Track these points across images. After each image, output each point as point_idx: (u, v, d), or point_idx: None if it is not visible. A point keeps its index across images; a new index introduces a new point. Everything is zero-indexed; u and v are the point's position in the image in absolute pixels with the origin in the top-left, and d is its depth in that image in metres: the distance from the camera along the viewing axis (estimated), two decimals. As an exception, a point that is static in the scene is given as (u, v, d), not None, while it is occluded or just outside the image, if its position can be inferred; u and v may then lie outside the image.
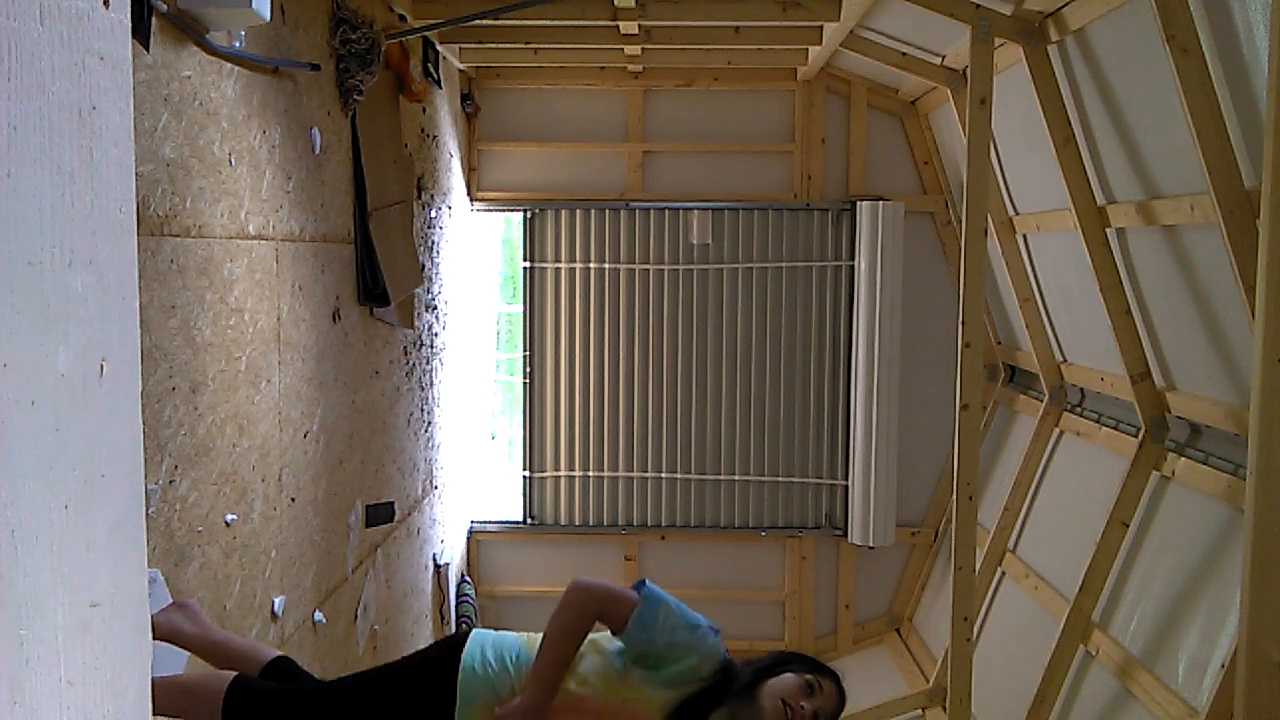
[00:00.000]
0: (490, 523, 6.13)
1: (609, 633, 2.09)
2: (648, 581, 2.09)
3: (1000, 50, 3.77)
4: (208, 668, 2.32)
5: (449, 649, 2.13)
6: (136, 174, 2.04)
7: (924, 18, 3.96)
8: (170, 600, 2.34)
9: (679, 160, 5.90)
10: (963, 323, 3.80)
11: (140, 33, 2.20)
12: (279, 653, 2.37)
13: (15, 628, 0.73)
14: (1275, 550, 2.23)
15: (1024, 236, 4.69)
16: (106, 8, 0.85)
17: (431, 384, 4.96)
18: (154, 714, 2.07)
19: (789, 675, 2.00)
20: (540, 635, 2.09)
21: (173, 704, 2.10)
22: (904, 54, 4.83)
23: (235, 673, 2.18)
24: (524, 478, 6.09)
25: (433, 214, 4.91)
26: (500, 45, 5.21)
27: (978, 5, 3.65)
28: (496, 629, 2.25)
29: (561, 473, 6.06)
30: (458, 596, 5.58)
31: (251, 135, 2.83)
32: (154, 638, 1.82)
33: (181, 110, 2.41)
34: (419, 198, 4.64)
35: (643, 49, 5.20)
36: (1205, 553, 3.34)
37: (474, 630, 2.21)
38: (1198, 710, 3.08)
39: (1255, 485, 2.24)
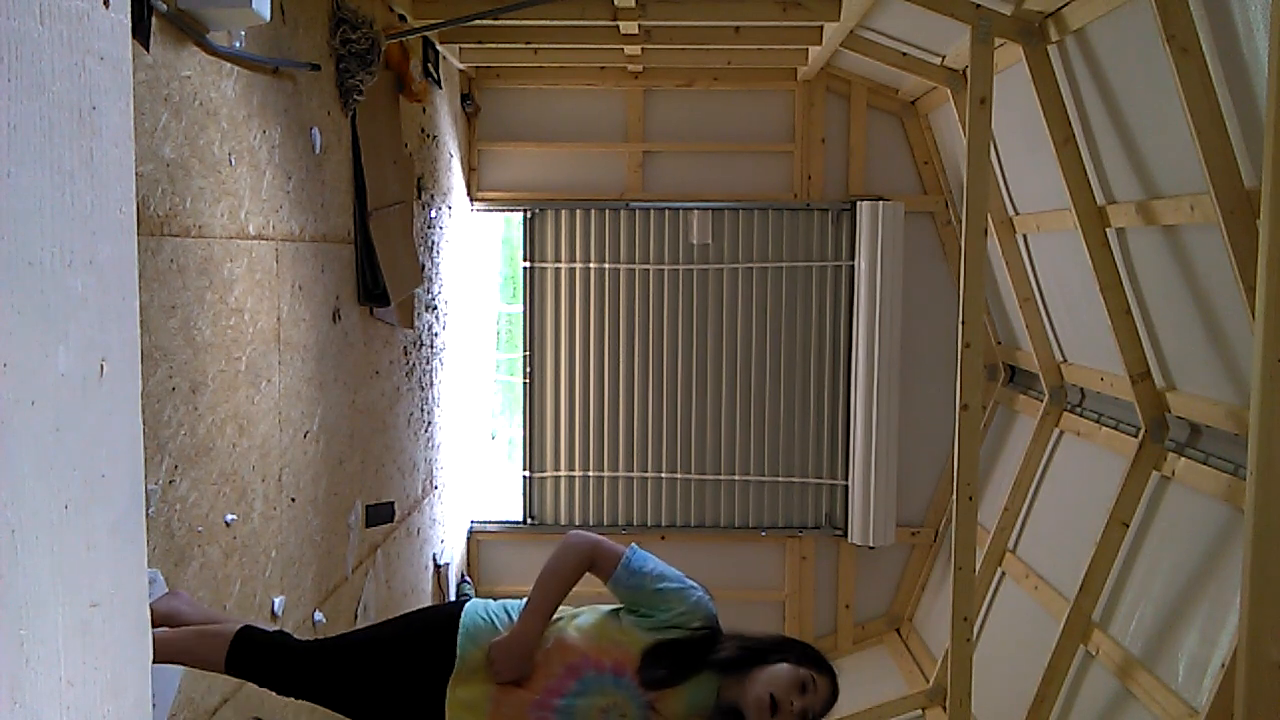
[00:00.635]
0: (490, 523, 6.13)
1: (607, 607, 2.13)
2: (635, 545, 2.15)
3: (1000, 50, 3.77)
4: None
5: (450, 608, 2.18)
6: (136, 174, 2.04)
7: (924, 18, 3.96)
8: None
9: (679, 160, 5.90)
10: (963, 323, 3.80)
11: (140, 33, 2.20)
12: (277, 627, 2.42)
13: (15, 628, 0.73)
14: (1275, 550, 2.23)
15: (1024, 236, 4.69)
16: (106, 8, 0.85)
17: (431, 384, 4.96)
18: (162, 658, 2.10)
19: (785, 666, 1.98)
20: None
21: (180, 644, 2.14)
22: (904, 54, 4.83)
23: (244, 622, 2.22)
24: (524, 478, 6.08)
25: (433, 214, 4.91)
26: (500, 45, 5.21)
27: (978, 5, 3.65)
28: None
29: (561, 473, 6.06)
30: (458, 596, 5.58)
31: (251, 135, 2.83)
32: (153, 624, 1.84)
33: (181, 110, 2.40)
34: (419, 198, 4.63)
35: (643, 49, 5.20)
36: (1205, 553, 3.34)
37: (472, 598, 2.26)
38: (1198, 710, 3.08)
39: (1255, 485, 2.24)
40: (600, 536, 2.14)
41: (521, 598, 2.16)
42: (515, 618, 2.10)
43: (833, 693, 2.01)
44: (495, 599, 2.23)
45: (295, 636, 2.39)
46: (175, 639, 2.15)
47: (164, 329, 2.33)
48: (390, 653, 2.14)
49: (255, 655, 2.17)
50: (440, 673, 2.06)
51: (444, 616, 2.15)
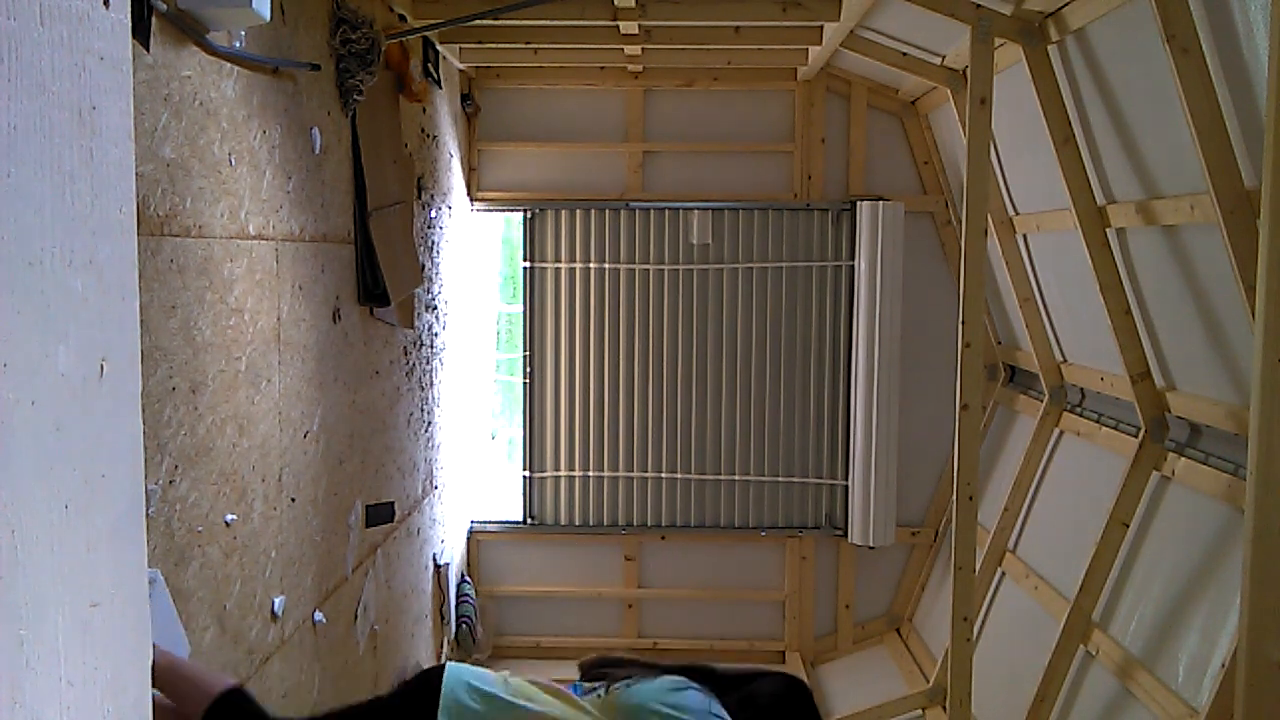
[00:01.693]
0: (490, 523, 6.13)
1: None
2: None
3: (1000, 50, 3.77)
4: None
5: (425, 682, 2.07)
6: (136, 174, 2.04)
7: (924, 18, 3.96)
8: (170, 603, 2.34)
9: (679, 160, 5.90)
10: (963, 323, 3.80)
11: (140, 33, 2.20)
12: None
13: (15, 628, 0.73)
14: (1275, 550, 2.23)
15: (1024, 236, 4.69)
16: (106, 8, 0.85)
17: (431, 384, 4.96)
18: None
19: None
20: (519, 680, 2.04)
21: (164, 679, 2.10)
22: (904, 54, 4.83)
23: (237, 682, 2.19)
24: (524, 478, 6.08)
25: (433, 214, 4.91)
26: (500, 45, 5.21)
27: (978, 5, 3.65)
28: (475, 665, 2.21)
29: (561, 473, 6.05)
30: (458, 596, 5.58)
31: (251, 135, 2.83)
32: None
33: (181, 110, 2.40)
34: (419, 198, 4.63)
35: (643, 49, 5.20)
36: (1205, 553, 3.34)
37: (449, 665, 2.16)
38: (1198, 710, 3.08)
39: (1255, 485, 2.24)
40: None
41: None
42: (491, 697, 1.99)
43: None
44: (474, 685, 2.03)
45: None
46: (163, 670, 2.10)
47: (164, 329, 2.33)
48: None
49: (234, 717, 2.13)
50: None
51: (420, 689, 2.02)
